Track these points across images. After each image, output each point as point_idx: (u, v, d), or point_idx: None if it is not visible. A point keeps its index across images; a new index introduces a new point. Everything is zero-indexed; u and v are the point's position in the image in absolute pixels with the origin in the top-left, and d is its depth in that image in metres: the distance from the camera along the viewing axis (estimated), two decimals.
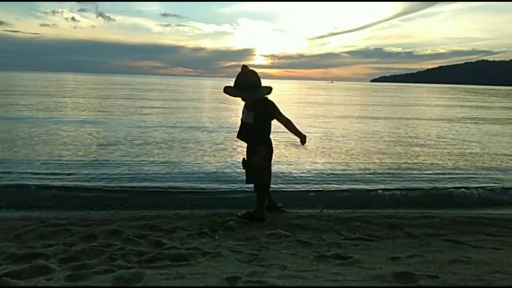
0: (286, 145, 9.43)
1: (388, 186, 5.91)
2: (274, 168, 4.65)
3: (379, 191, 5.65)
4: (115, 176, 6.13)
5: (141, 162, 7.27)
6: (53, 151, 8.03)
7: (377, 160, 8.09)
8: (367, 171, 6.99)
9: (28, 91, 31.98)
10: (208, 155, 8.17)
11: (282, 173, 6.65)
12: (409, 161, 8.08)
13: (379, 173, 6.82)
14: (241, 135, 3.95)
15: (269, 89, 3.81)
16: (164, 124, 13.48)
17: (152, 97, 31.26)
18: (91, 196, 5.13)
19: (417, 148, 9.86)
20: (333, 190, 5.72)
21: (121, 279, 2.51)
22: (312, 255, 3.09)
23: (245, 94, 3.79)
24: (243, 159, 3.98)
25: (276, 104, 3.85)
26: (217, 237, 3.50)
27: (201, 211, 4.37)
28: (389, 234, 3.71)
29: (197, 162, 7.48)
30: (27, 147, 8.39)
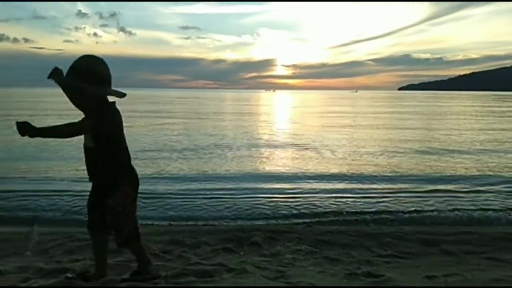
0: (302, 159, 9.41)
1: (420, 205, 5.77)
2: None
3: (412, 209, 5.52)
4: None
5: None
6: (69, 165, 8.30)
7: (407, 175, 7.93)
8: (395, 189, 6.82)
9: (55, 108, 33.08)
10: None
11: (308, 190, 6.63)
12: (445, 175, 7.89)
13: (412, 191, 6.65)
14: (89, 174, 2.64)
15: (121, 94, 2.53)
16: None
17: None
18: None
19: (451, 159, 9.63)
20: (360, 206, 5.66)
21: None
22: (341, 273, 3.08)
23: (81, 87, 2.41)
24: (90, 199, 2.74)
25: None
26: (242, 253, 3.54)
27: (225, 226, 4.43)
28: (424, 251, 3.65)
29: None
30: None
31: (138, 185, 2.73)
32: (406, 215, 5.26)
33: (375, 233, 4.09)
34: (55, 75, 2.39)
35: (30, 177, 7.24)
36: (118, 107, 2.63)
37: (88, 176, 2.65)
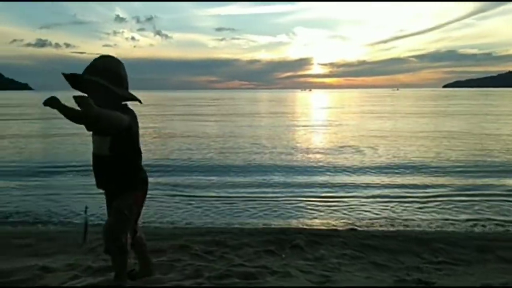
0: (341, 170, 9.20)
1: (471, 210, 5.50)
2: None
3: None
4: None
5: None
6: None
7: (457, 177, 7.60)
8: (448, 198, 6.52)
9: None
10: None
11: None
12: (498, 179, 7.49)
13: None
14: (99, 182, 2.54)
15: (138, 98, 2.52)
16: None
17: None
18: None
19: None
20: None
21: None
22: (390, 279, 2.97)
23: (107, 85, 2.33)
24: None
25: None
26: (283, 256, 3.49)
27: (266, 228, 4.40)
28: (478, 258, 3.47)
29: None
30: None
31: (147, 190, 2.64)
32: (458, 220, 5.04)
33: (425, 238, 3.93)
34: (72, 77, 2.35)
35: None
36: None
37: (97, 184, 2.56)
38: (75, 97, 2.04)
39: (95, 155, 2.49)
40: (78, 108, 2.15)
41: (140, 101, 2.52)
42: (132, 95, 2.49)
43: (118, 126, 2.31)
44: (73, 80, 2.39)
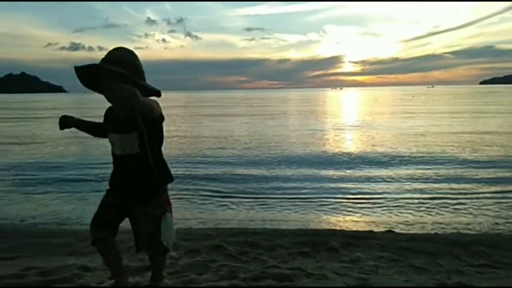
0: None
1: None
2: None
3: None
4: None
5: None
6: None
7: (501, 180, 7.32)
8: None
9: None
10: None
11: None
12: None
13: None
14: (127, 188, 2.35)
15: (157, 91, 2.39)
16: None
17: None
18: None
19: None
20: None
21: None
22: (429, 283, 2.90)
23: (124, 80, 2.15)
24: (101, 217, 2.39)
25: None
26: (318, 258, 3.45)
27: (299, 229, 4.38)
28: None
29: None
30: None
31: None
32: (499, 223, 4.85)
33: (465, 241, 3.81)
34: (87, 68, 2.24)
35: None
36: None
37: (118, 190, 2.37)
38: (113, 88, 1.87)
39: (119, 157, 2.31)
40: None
41: (159, 94, 2.38)
42: (152, 87, 2.35)
43: (157, 117, 2.24)
44: (87, 74, 2.28)
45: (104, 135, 2.45)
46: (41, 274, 3.02)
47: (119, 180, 2.36)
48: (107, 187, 2.46)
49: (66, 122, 2.33)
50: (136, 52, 2.38)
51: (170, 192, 2.50)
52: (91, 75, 2.30)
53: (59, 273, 3.04)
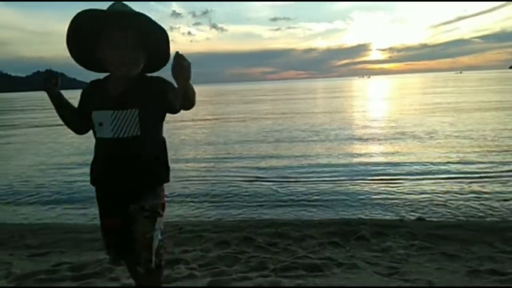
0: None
1: None
2: None
3: None
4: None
5: None
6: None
7: None
8: None
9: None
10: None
11: None
12: None
13: None
14: (122, 180, 1.87)
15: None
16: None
17: None
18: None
19: None
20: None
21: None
22: (462, 270, 2.89)
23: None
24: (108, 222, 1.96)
25: None
26: (348, 248, 3.48)
27: (329, 219, 4.40)
28: None
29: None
30: None
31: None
32: None
33: (497, 228, 3.78)
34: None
35: None
36: None
37: (112, 184, 1.88)
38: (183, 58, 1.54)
39: (113, 141, 1.82)
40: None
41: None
42: None
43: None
44: (88, 30, 1.80)
45: (77, 122, 1.96)
46: (73, 269, 3.13)
47: (112, 174, 1.85)
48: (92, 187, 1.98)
49: (51, 84, 1.82)
50: None
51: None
52: (93, 34, 1.81)
53: (91, 267, 3.15)
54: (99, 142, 1.89)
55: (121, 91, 1.85)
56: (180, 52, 1.54)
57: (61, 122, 1.95)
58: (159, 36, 1.84)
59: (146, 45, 1.85)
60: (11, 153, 11.16)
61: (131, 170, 1.84)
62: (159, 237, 1.85)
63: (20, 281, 2.96)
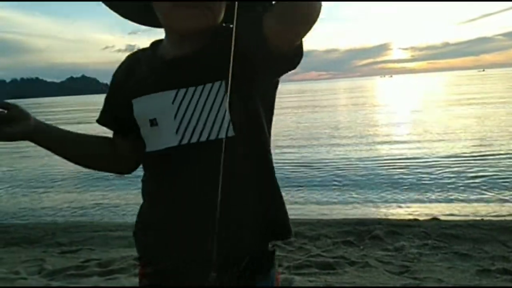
0: None
1: None
2: None
3: None
4: None
5: None
6: None
7: None
8: None
9: None
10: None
11: None
12: None
13: None
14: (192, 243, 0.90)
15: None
16: None
17: None
18: None
19: None
20: None
21: None
22: (472, 269, 2.99)
23: None
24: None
25: None
26: (362, 247, 3.61)
27: (343, 219, 4.53)
28: None
29: None
30: None
31: None
32: None
33: (511, 227, 3.81)
34: None
35: None
36: None
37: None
38: None
39: (182, 152, 0.92)
40: None
41: None
42: None
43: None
44: None
45: (109, 149, 1.11)
46: (100, 265, 3.37)
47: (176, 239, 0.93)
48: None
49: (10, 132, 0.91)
50: None
51: None
52: None
53: (117, 263, 3.37)
54: (151, 164, 1.01)
55: (189, 53, 0.95)
56: None
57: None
58: None
59: None
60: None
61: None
62: None
63: (51, 276, 3.22)
